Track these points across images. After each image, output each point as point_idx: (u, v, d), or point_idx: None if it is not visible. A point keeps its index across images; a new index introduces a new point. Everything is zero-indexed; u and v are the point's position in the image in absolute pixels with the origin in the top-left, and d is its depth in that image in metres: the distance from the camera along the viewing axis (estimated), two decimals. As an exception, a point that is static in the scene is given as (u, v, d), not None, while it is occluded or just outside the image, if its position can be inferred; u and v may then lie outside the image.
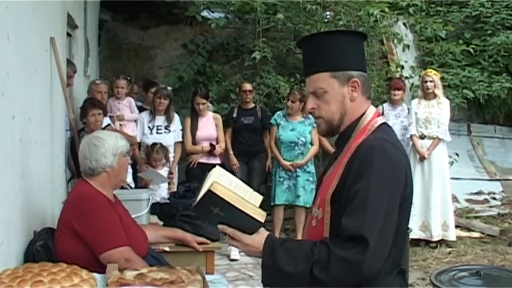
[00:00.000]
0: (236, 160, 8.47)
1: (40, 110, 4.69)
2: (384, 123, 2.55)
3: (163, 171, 7.68)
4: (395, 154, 2.39)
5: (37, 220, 4.34)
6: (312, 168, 8.36)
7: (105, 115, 6.89)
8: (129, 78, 8.30)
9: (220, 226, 2.47)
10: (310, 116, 8.17)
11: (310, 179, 8.24)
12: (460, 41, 11.18)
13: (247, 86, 8.67)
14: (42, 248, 3.78)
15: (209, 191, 2.35)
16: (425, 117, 8.35)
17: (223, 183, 2.41)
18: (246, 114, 8.65)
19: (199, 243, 4.48)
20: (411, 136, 8.35)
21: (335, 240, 2.34)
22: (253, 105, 8.77)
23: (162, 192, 7.44)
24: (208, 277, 3.31)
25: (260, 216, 2.43)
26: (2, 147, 3.32)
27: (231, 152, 8.51)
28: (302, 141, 8.21)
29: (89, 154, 3.82)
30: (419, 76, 9.29)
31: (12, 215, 3.58)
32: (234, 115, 8.63)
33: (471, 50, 10.92)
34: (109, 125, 7.07)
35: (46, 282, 2.83)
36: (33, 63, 4.44)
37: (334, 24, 9.76)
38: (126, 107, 8.04)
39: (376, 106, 7.64)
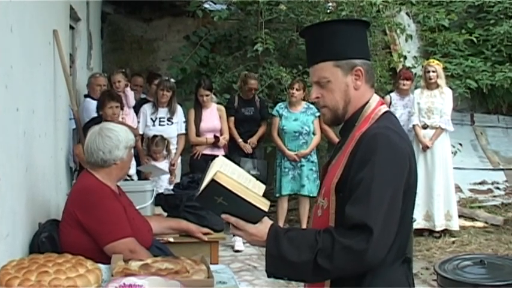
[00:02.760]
0: (249, 146, 8.51)
1: (44, 102, 4.70)
2: (388, 112, 2.54)
3: (164, 163, 7.68)
4: (399, 142, 2.38)
5: (42, 212, 4.36)
6: (315, 157, 8.39)
7: (121, 108, 6.90)
8: (123, 71, 8.28)
9: (223, 215, 2.46)
10: (311, 105, 8.20)
11: (314, 168, 8.28)
12: (463, 31, 11.13)
13: (254, 84, 8.64)
14: (47, 240, 3.81)
15: (213, 180, 2.34)
16: (427, 107, 8.35)
17: (227, 172, 2.40)
18: (246, 104, 8.65)
19: (204, 234, 4.50)
20: (413, 126, 8.35)
21: (339, 229, 2.33)
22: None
23: (162, 183, 7.45)
24: (212, 267, 3.32)
25: (264, 205, 2.43)
26: (6, 140, 3.34)
27: (240, 139, 8.52)
28: (306, 130, 8.22)
29: (103, 145, 3.80)
30: (422, 66, 9.28)
31: (17, 207, 3.60)
32: (235, 105, 8.64)
33: (474, 40, 10.90)
34: None
35: (51, 272, 2.84)
36: (37, 55, 4.45)
37: (337, 14, 9.77)
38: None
39: (383, 97, 7.64)
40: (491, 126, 11.96)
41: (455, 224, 8.34)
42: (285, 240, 2.38)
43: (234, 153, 8.32)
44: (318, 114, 8.19)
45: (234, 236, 7.19)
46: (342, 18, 8.91)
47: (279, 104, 8.56)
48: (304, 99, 8.34)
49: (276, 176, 8.43)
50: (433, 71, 8.36)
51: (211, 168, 2.45)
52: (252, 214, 2.43)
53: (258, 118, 8.68)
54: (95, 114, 6.91)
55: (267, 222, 2.46)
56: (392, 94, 8.82)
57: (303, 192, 8.23)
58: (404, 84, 8.70)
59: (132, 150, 4.12)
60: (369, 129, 2.42)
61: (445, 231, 8.32)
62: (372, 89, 2.58)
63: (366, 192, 2.28)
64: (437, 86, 8.39)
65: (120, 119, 7.16)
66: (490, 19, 11.50)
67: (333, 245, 2.28)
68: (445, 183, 8.27)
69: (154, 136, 7.67)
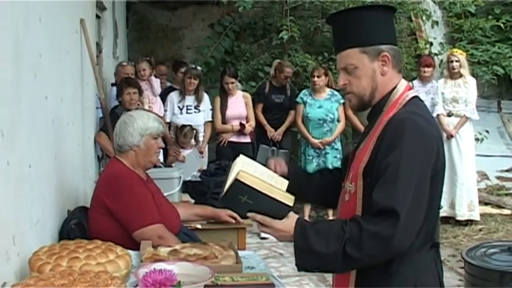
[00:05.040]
0: (275, 132, 8.51)
1: (72, 90, 4.75)
2: (416, 97, 2.55)
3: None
4: (426, 127, 2.38)
5: (70, 199, 4.41)
6: (339, 145, 8.36)
7: (140, 94, 6.93)
8: (148, 59, 8.31)
9: (249, 214, 2.48)
10: (336, 92, 8.18)
11: (338, 156, 8.24)
12: (490, 17, 11.01)
13: (289, 72, 8.64)
14: (76, 226, 3.85)
15: (236, 180, 2.37)
16: (452, 97, 8.30)
17: (249, 171, 2.43)
18: (277, 92, 8.66)
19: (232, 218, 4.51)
20: (438, 115, 8.29)
21: (366, 216, 2.34)
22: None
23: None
24: (240, 253, 3.34)
25: (288, 200, 2.45)
26: (36, 128, 3.38)
27: (267, 126, 8.53)
28: (330, 117, 8.20)
29: (119, 131, 3.90)
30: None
31: (46, 194, 3.64)
32: (266, 91, 8.65)
33: (501, 26, 10.77)
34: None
35: (82, 258, 2.88)
36: (64, 44, 4.49)
37: (362, 1, 9.70)
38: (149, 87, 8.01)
39: (409, 82, 7.57)
40: (519, 113, 11.86)
41: (477, 214, 8.31)
42: (312, 233, 2.39)
43: (260, 140, 8.36)
44: (342, 101, 8.16)
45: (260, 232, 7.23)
46: (367, 4, 8.85)
47: (303, 91, 8.54)
48: (328, 86, 8.31)
49: (301, 164, 8.42)
50: (457, 61, 8.31)
51: (233, 169, 2.48)
52: (277, 210, 2.45)
53: (287, 106, 8.64)
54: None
55: (293, 217, 2.47)
56: (414, 81, 8.76)
57: (327, 180, 8.17)
58: (425, 71, 8.64)
59: (159, 141, 4.10)
60: (396, 114, 2.42)
61: (472, 219, 8.28)
62: (400, 74, 2.58)
63: (393, 177, 2.28)
64: (461, 75, 8.33)
65: (147, 107, 7.19)
66: (518, 5, 11.37)
67: (361, 233, 2.28)
68: (468, 173, 8.23)
69: (183, 126, 7.66)
